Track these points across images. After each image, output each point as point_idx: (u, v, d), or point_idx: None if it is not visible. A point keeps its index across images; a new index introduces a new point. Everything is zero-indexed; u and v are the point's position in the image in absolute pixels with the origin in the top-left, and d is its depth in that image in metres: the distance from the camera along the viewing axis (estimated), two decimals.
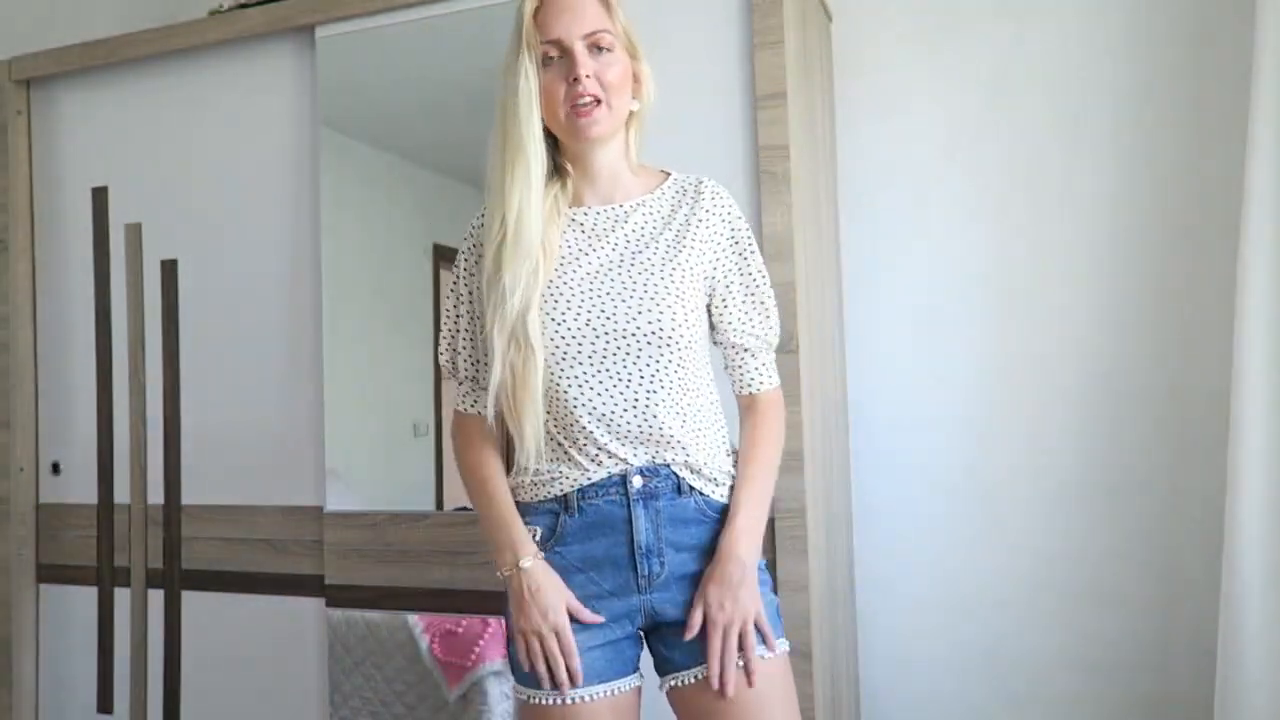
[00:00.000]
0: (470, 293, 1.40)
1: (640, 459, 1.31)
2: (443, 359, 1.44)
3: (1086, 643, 2.01)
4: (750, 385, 1.40)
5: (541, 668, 1.30)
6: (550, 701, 1.31)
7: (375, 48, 2.02)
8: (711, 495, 1.34)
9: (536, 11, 1.31)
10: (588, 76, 1.28)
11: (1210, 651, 1.83)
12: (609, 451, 1.31)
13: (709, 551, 1.33)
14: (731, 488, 1.37)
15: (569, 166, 1.38)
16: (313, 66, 2.08)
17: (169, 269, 2.22)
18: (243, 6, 2.13)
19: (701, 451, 1.34)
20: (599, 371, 1.30)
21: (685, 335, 1.31)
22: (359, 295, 2.08)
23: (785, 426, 1.43)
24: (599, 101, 1.30)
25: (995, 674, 2.07)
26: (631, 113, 1.37)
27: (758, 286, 1.39)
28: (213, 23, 2.15)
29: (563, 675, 1.29)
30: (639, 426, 1.30)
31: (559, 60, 1.30)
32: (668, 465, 1.32)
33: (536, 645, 1.30)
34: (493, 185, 1.32)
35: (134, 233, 2.26)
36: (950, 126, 2.12)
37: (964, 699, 2.10)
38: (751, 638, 1.29)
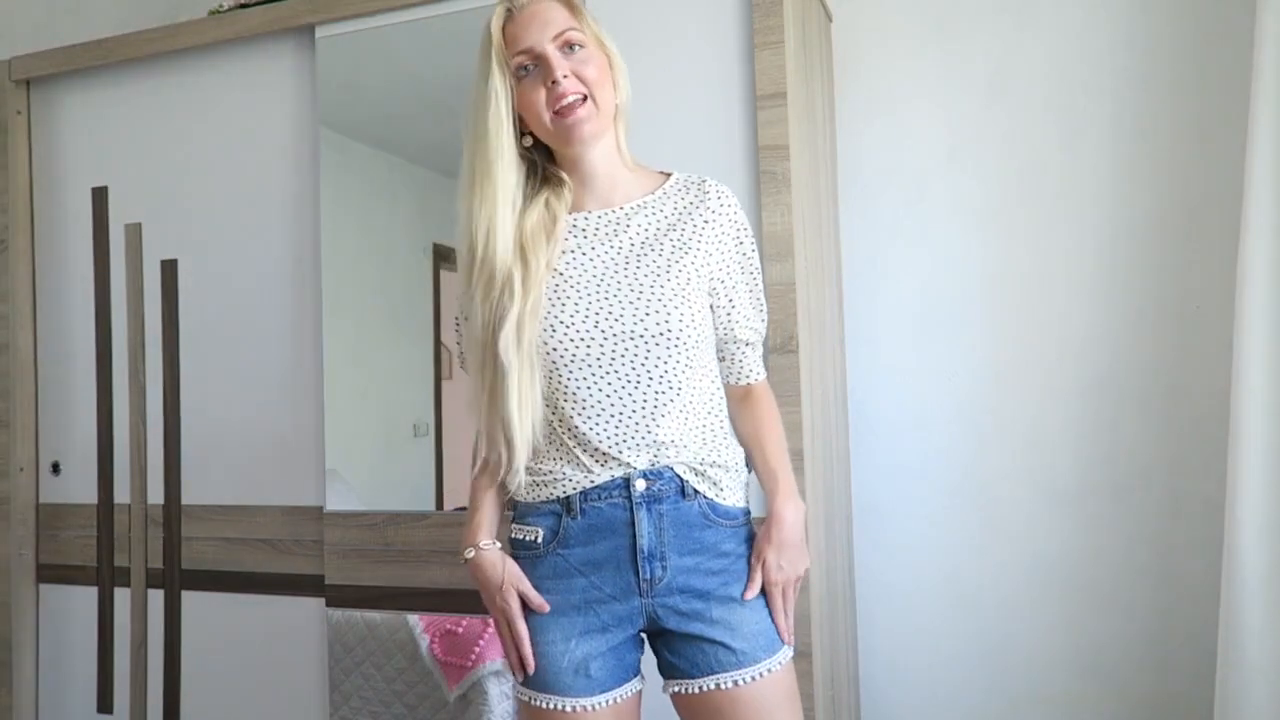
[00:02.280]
0: None
1: (643, 461, 1.30)
2: (460, 358, 1.47)
3: (1086, 642, 2.01)
4: (748, 376, 1.43)
5: (512, 657, 1.34)
6: (550, 706, 1.32)
7: (375, 48, 2.02)
8: (715, 499, 1.33)
9: (504, 28, 1.31)
10: (565, 76, 1.28)
11: (1210, 651, 1.83)
12: (615, 455, 1.30)
13: (723, 555, 1.33)
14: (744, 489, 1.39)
15: (564, 175, 1.37)
16: (313, 66, 2.08)
17: (169, 269, 2.22)
18: (243, 6, 2.13)
19: (706, 451, 1.34)
20: (608, 373, 1.30)
21: (693, 335, 1.31)
22: (359, 295, 2.08)
23: None
24: (584, 99, 1.29)
25: (995, 674, 2.08)
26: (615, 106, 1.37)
27: (757, 284, 1.41)
28: (213, 23, 2.15)
29: (514, 659, 1.33)
30: (647, 427, 1.30)
31: (534, 70, 1.30)
32: (671, 468, 1.31)
33: (502, 625, 1.34)
34: (461, 210, 1.33)
35: (134, 233, 2.26)
36: (950, 126, 2.12)
37: (964, 699, 2.10)
38: (797, 591, 1.37)
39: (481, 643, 1.87)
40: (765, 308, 1.44)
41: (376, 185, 2.09)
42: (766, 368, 1.48)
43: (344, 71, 2.05)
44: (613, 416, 1.30)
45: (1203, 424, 1.94)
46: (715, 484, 1.34)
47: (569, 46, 1.30)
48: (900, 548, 2.14)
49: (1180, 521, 1.96)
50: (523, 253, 1.30)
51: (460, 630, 1.89)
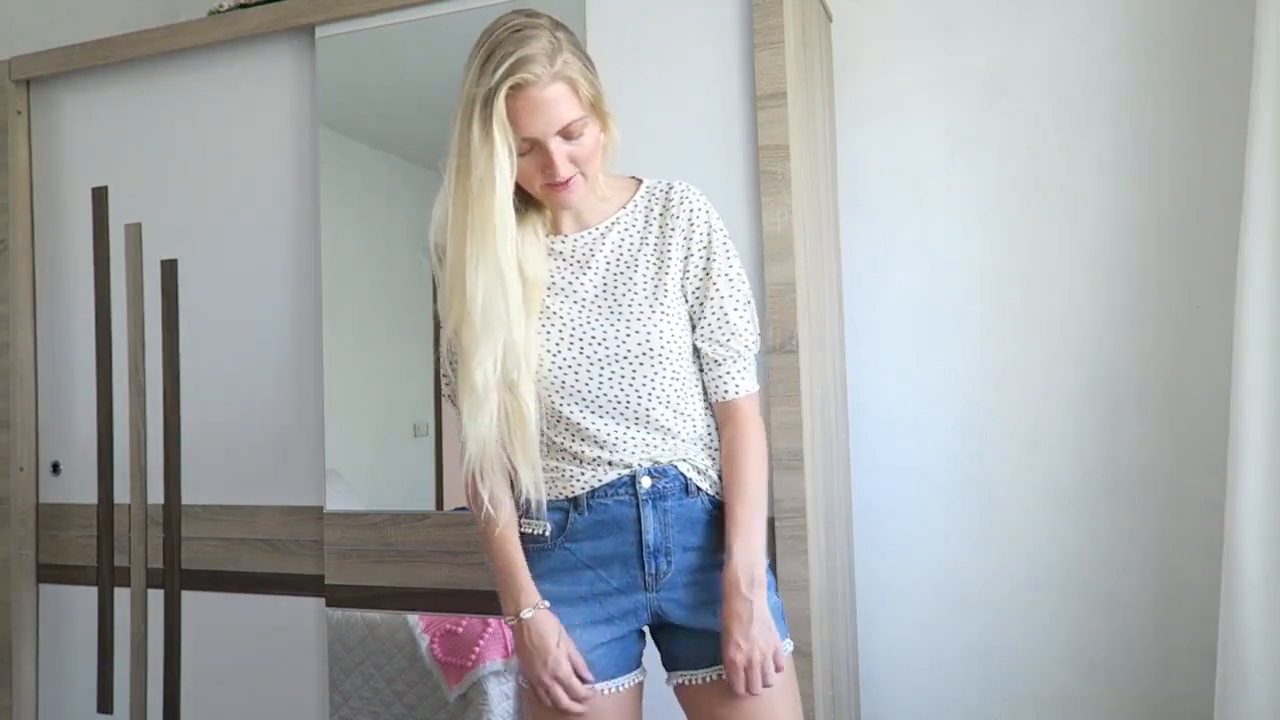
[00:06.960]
0: None
1: (645, 463, 1.33)
2: (446, 391, 1.41)
3: (1086, 643, 2.01)
4: (719, 392, 1.37)
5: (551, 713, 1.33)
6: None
7: (375, 48, 2.02)
8: (718, 496, 1.37)
9: (507, 99, 1.24)
10: (562, 163, 1.27)
11: (1210, 651, 1.83)
12: (615, 462, 1.33)
13: (711, 550, 1.35)
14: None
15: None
16: (313, 66, 2.08)
17: (169, 269, 2.22)
18: (243, 6, 2.13)
19: (704, 459, 1.37)
20: (598, 395, 1.32)
21: (674, 348, 1.33)
22: (359, 295, 2.08)
23: (764, 432, 1.39)
24: (577, 175, 1.29)
25: (995, 674, 2.07)
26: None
27: (719, 292, 1.35)
28: (213, 23, 2.15)
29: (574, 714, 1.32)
30: (643, 441, 1.33)
31: (532, 152, 1.27)
32: (675, 465, 1.34)
33: (543, 694, 1.32)
34: (452, 264, 1.27)
35: (134, 233, 2.26)
36: (950, 126, 2.12)
37: (964, 699, 2.10)
38: (770, 676, 1.29)
39: (481, 643, 1.87)
40: (736, 320, 1.36)
41: (376, 185, 2.10)
42: (753, 381, 1.39)
43: (344, 71, 2.05)
44: (609, 436, 1.32)
45: (1203, 424, 1.94)
46: (714, 483, 1.37)
47: (568, 136, 1.27)
48: (900, 548, 2.14)
49: (1180, 521, 1.96)
50: (525, 285, 1.30)
51: (460, 630, 1.89)
